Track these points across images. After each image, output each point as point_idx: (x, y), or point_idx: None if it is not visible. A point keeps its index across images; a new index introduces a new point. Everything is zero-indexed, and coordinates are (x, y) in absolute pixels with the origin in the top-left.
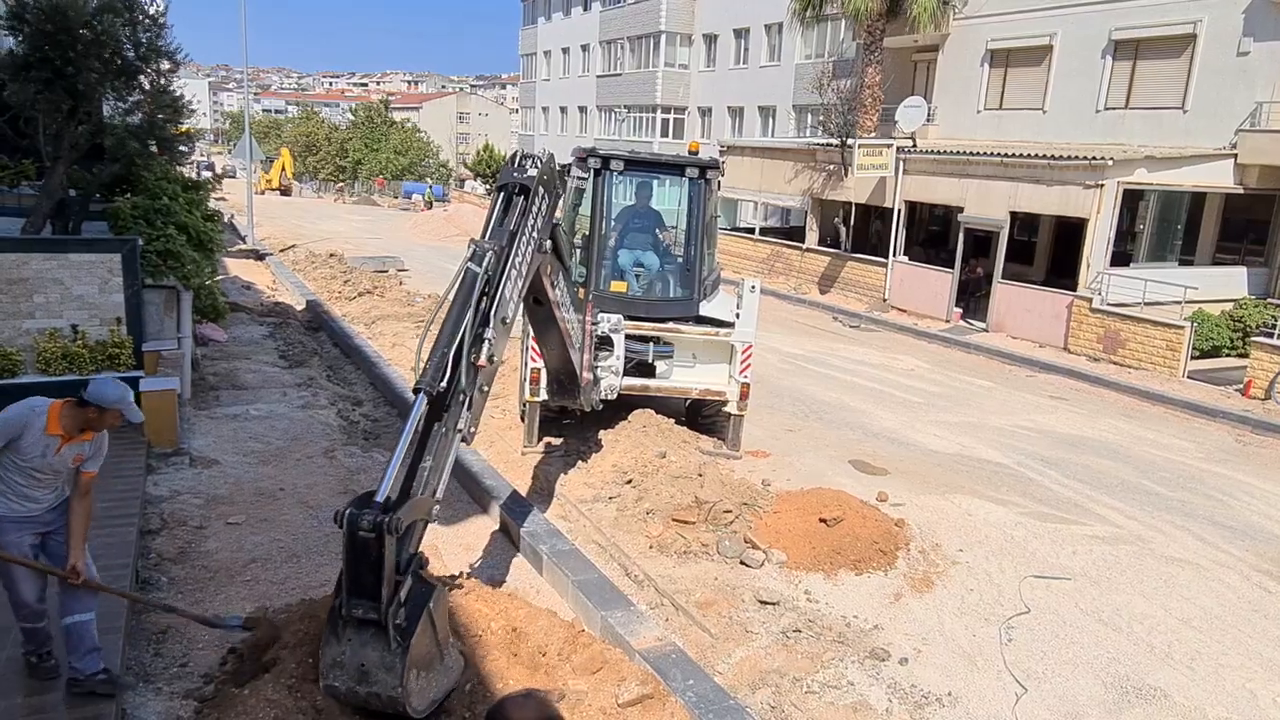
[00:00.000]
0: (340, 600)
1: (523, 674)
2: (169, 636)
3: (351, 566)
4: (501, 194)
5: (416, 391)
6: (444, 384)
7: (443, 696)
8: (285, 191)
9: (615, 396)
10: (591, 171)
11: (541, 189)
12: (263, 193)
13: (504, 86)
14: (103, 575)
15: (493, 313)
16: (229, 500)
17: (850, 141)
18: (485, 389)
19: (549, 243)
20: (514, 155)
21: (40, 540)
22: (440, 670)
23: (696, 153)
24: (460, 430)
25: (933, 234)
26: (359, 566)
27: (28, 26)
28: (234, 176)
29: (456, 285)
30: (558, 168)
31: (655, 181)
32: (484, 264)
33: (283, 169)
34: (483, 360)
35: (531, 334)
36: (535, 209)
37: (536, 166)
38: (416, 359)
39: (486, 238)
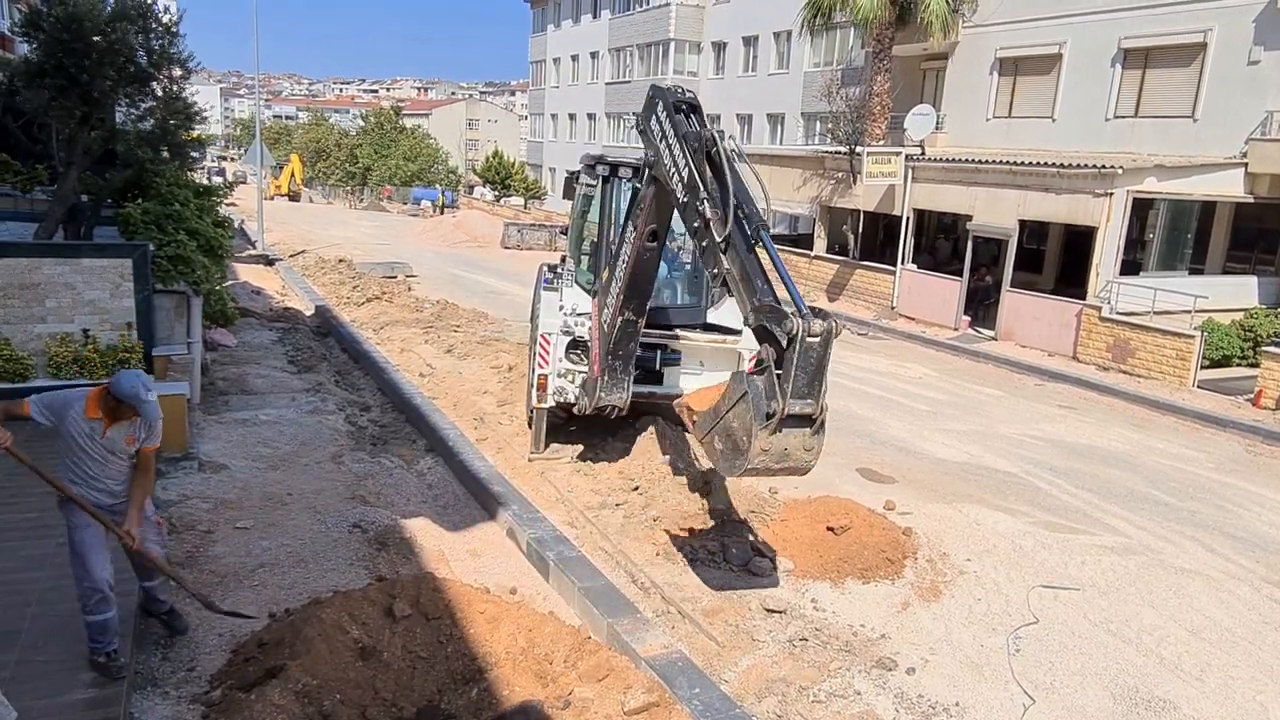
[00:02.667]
0: (780, 403)
1: (529, 681)
2: (177, 641)
3: (799, 371)
4: (679, 110)
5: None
6: None
7: None
8: (294, 197)
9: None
10: (600, 178)
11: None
12: (272, 198)
13: (513, 93)
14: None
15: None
16: (237, 505)
17: (859, 149)
18: None
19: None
20: (668, 88)
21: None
22: None
23: None
24: None
25: (941, 241)
26: (804, 370)
27: (43, 34)
28: (245, 182)
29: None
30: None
31: None
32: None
33: (292, 175)
34: None
35: (540, 339)
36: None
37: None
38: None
39: (683, 134)
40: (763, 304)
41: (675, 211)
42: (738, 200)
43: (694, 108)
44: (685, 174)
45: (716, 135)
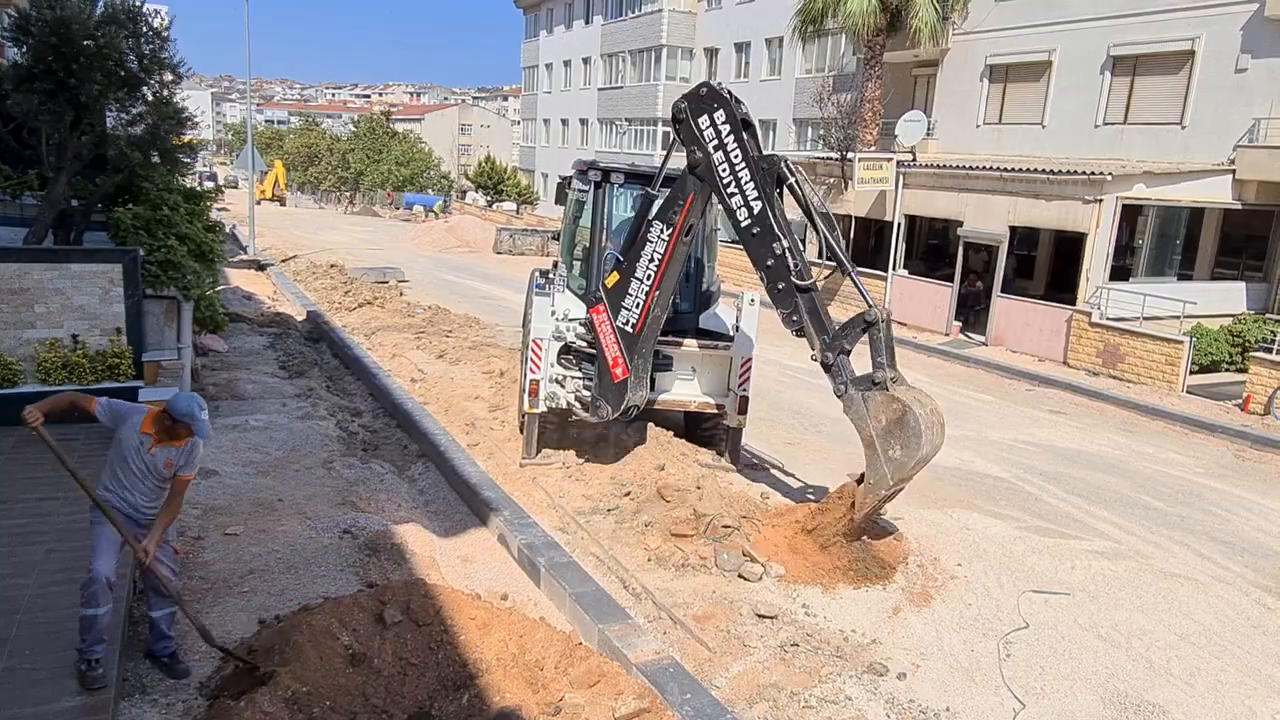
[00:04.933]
0: (886, 371)
1: (520, 687)
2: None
3: (885, 348)
4: (746, 128)
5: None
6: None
7: None
8: (281, 202)
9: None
10: (592, 184)
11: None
12: (259, 203)
13: (506, 99)
14: None
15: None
16: (227, 511)
17: (850, 155)
18: None
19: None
20: (724, 89)
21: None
22: None
23: None
24: None
25: (932, 247)
26: (887, 347)
27: (31, 38)
28: (236, 187)
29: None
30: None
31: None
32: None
33: (276, 180)
34: None
35: (532, 344)
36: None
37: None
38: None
39: (756, 154)
40: (831, 341)
41: (715, 209)
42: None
43: (750, 125)
44: (757, 208)
45: (787, 168)
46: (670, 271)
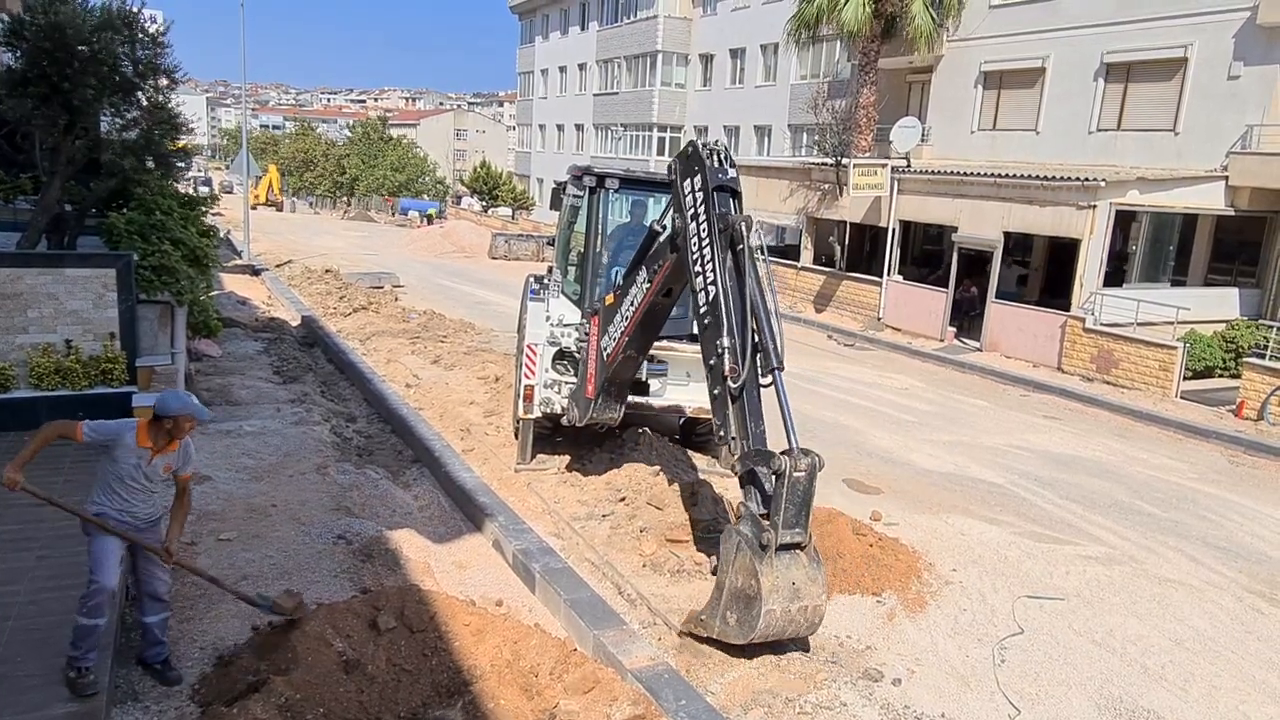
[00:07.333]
0: (773, 534)
1: (514, 694)
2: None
3: (787, 504)
4: (719, 192)
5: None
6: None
7: None
8: (278, 207)
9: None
10: (587, 189)
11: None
12: (254, 208)
13: (501, 104)
14: None
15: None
16: (220, 516)
17: (845, 161)
18: None
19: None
20: (706, 151)
21: (130, 545)
22: None
23: None
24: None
25: (927, 253)
26: (791, 503)
27: (25, 43)
28: (230, 192)
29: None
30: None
31: (650, 200)
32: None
33: (270, 185)
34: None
35: (526, 349)
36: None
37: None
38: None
39: (739, 218)
40: (750, 450)
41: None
42: (757, 336)
43: (736, 194)
44: (712, 293)
45: (742, 231)
46: (646, 323)
